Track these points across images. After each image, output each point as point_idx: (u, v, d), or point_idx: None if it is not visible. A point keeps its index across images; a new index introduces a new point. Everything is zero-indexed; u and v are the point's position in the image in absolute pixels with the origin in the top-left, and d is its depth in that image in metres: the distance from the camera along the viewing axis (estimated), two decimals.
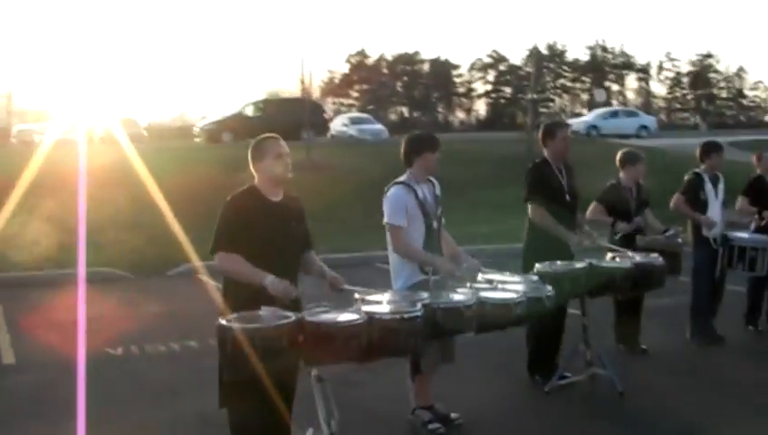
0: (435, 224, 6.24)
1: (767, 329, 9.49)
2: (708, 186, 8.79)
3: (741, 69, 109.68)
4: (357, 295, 5.25)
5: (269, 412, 5.03)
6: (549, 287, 6.05)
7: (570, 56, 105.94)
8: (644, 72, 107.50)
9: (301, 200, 5.40)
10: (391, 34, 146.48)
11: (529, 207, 7.44)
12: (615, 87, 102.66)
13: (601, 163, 11.91)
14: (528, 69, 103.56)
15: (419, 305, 4.96)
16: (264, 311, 4.67)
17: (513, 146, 28.44)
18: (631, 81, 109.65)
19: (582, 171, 8.23)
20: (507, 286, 5.97)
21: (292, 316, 4.56)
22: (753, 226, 9.25)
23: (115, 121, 30.71)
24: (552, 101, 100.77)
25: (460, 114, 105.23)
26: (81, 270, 11.38)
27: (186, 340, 9.12)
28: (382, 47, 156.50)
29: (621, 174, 8.57)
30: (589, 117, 45.52)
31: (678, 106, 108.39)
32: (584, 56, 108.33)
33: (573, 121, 43.45)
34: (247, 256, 4.94)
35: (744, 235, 8.96)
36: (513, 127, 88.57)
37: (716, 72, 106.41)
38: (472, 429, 6.35)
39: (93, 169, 16.85)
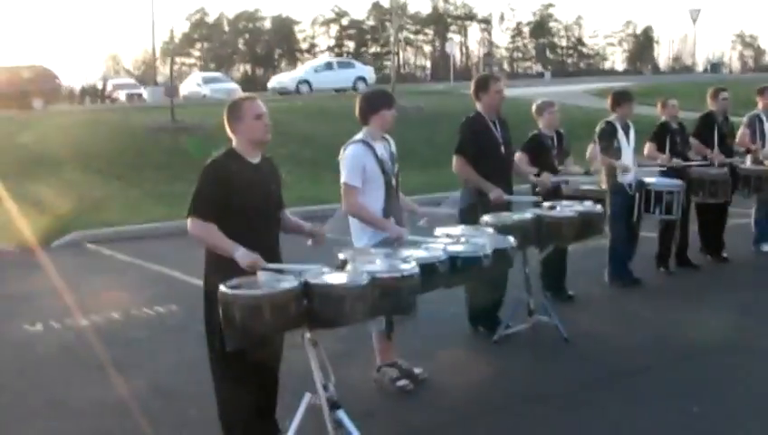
0: (393, 181, 6.31)
1: (677, 270, 10.06)
2: (620, 133, 9.17)
3: (579, 18, 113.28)
4: (341, 255, 5.30)
5: (261, 381, 5.06)
6: (511, 238, 6.23)
7: (411, 9, 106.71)
8: (486, 22, 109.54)
9: (275, 161, 5.37)
10: None
11: (453, 159, 7.61)
12: (458, 38, 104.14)
13: None
14: (370, 23, 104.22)
15: (414, 263, 5.05)
16: (263, 275, 4.66)
17: None
18: (474, 32, 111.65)
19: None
20: (470, 240, 6.11)
21: (295, 280, 4.58)
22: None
23: None
24: (396, 54, 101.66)
25: None
26: None
27: (107, 312, 8.90)
28: (222, 5, 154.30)
29: (540, 123, 8.85)
30: (300, 71, 43.54)
31: (520, 55, 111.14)
32: (426, 8, 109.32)
33: (281, 78, 42.38)
34: (229, 219, 4.87)
35: (657, 180, 9.39)
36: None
37: (557, 21, 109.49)
38: (434, 382, 6.50)
39: None
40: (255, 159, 5.09)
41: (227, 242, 4.83)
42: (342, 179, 6.18)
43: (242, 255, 4.75)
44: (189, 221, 4.93)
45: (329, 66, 42.67)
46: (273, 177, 5.22)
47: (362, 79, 41.19)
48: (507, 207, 7.50)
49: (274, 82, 43.34)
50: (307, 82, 39.75)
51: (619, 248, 9.34)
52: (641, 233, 9.69)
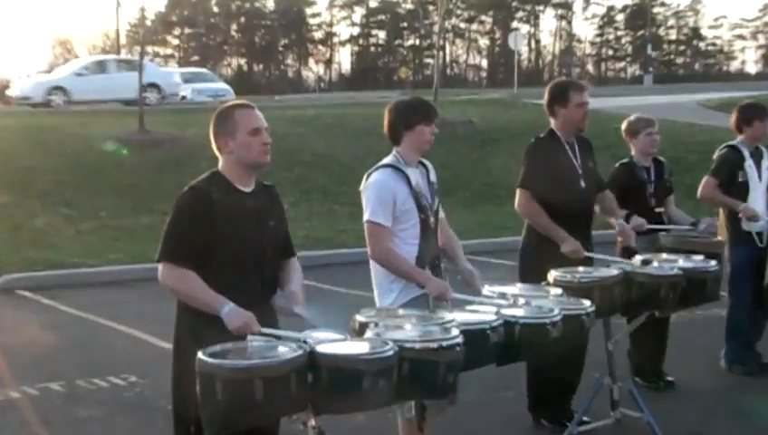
0: (431, 220, 6.42)
1: None
2: (748, 163, 9.14)
3: (696, 1, 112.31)
4: (360, 318, 5.38)
5: None
6: (587, 302, 6.28)
7: None
8: (564, 7, 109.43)
9: (277, 189, 5.47)
10: None
11: (517, 194, 7.70)
12: (525, 29, 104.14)
13: None
14: (408, 6, 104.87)
15: (456, 330, 5.11)
16: (255, 341, 4.75)
17: None
18: (548, 20, 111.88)
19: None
20: (532, 302, 6.16)
21: (298, 348, 4.64)
22: None
23: None
24: (442, 48, 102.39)
25: (316, 67, 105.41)
26: None
27: (45, 382, 9.04)
28: None
29: (632, 148, 8.91)
30: (55, 74, 40.43)
31: (611, 53, 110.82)
32: None
33: (25, 84, 39.97)
34: (212, 266, 4.99)
35: None
36: (390, 84, 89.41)
37: (663, 5, 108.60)
38: None
39: None
40: (248, 187, 5.19)
41: (211, 295, 4.92)
42: (365, 216, 6.29)
43: (231, 313, 4.84)
44: (160, 268, 5.04)
45: (101, 67, 39.68)
46: (272, 210, 5.33)
47: (154, 86, 37.72)
48: (584, 260, 7.54)
49: (17, 89, 40.45)
50: (62, 89, 37.17)
51: (740, 320, 9.28)
52: None
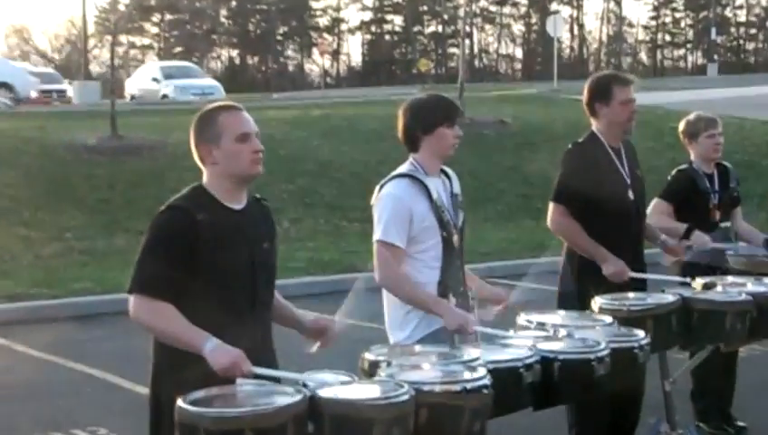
0: (455, 238, 6.40)
1: None
2: None
3: None
4: (370, 356, 5.38)
5: None
6: (641, 333, 6.25)
7: None
8: None
9: (274, 204, 5.48)
10: None
11: (549, 208, 7.70)
12: (567, 11, 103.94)
13: None
14: None
15: (483, 370, 5.10)
16: (245, 385, 4.75)
17: None
18: (593, 1, 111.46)
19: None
20: (574, 333, 6.14)
21: (296, 393, 4.63)
22: None
23: None
24: (468, 36, 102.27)
25: (321, 60, 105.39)
26: None
27: None
28: None
29: (692, 153, 8.89)
30: None
31: (669, 39, 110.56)
32: None
33: None
34: (194, 297, 5.00)
35: None
36: (407, 78, 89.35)
37: None
38: None
39: None
40: (238, 204, 5.21)
41: (193, 331, 4.91)
42: (376, 235, 6.28)
43: (216, 351, 4.83)
44: (132, 300, 5.03)
45: None
46: (264, 230, 5.35)
47: (5, 86, 38.55)
48: (634, 284, 7.52)
49: None
50: None
51: None
52: None
